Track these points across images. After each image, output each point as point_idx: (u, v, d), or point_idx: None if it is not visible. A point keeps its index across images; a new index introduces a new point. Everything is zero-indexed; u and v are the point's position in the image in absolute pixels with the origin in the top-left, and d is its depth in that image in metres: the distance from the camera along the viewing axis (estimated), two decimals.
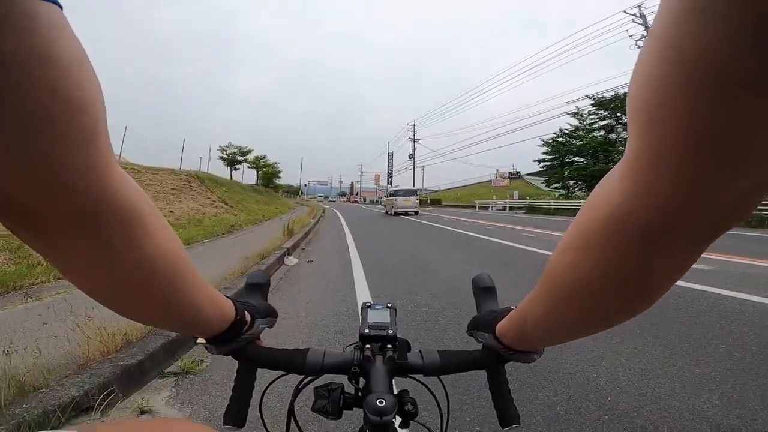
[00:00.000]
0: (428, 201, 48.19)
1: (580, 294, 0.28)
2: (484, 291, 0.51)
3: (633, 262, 0.23)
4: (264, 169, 40.62)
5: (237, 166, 36.38)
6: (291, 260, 5.38)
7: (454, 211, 27.56)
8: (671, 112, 0.16)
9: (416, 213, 17.05)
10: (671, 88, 0.16)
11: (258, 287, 0.51)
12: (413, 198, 19.55)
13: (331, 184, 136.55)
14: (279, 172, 43.51)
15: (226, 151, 36.06)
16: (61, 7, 0.18)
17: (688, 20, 0.14)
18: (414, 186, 49.95)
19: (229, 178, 30.10)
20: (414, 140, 51.51)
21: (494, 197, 34.03)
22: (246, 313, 0.42)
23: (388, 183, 79.52)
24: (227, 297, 0.40)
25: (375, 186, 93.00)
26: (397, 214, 18.39)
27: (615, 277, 0.24)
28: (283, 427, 0.48)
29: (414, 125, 52.35)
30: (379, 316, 0.49)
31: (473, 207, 33.23)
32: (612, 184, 0.22)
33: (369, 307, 0.51)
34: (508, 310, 0.43)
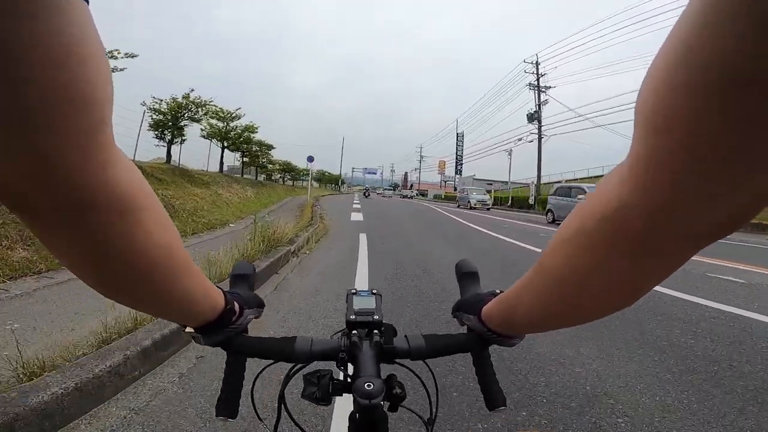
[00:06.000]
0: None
1: (570, 288, 0.28)
2: (467, 276, 0.53)
3: (626, 262, 0.24)
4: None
5: None
6: None
7: None
8: (678, 120, 0.16)
9: None
10: (681, 95, 0.16)
11: (244, 278, 0.51)
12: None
13: (382, 173, 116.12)
14: (235, 118, 16.17)
15: None
16: (87, 2, 0.17)
17: (705, 27, 0.14)
18: (537, 177, 26.84)
19: None
20: (539, 88, 27.84)
21: None
22: (235, 303, 0.43)
23: (456, 172, 57.17)
24: (217, 287, 0.41)
25: (439, 176, 70.44)
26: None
27: (607, 274, 0.25)
28: (274, 415, 0.49)
29: (537, 63, 28.65)
30: (364, 303, 0.49)
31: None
32: (612, 186, 0.22)
33: (354, 293, 0.51)
34: (493, 294, 0.44)
